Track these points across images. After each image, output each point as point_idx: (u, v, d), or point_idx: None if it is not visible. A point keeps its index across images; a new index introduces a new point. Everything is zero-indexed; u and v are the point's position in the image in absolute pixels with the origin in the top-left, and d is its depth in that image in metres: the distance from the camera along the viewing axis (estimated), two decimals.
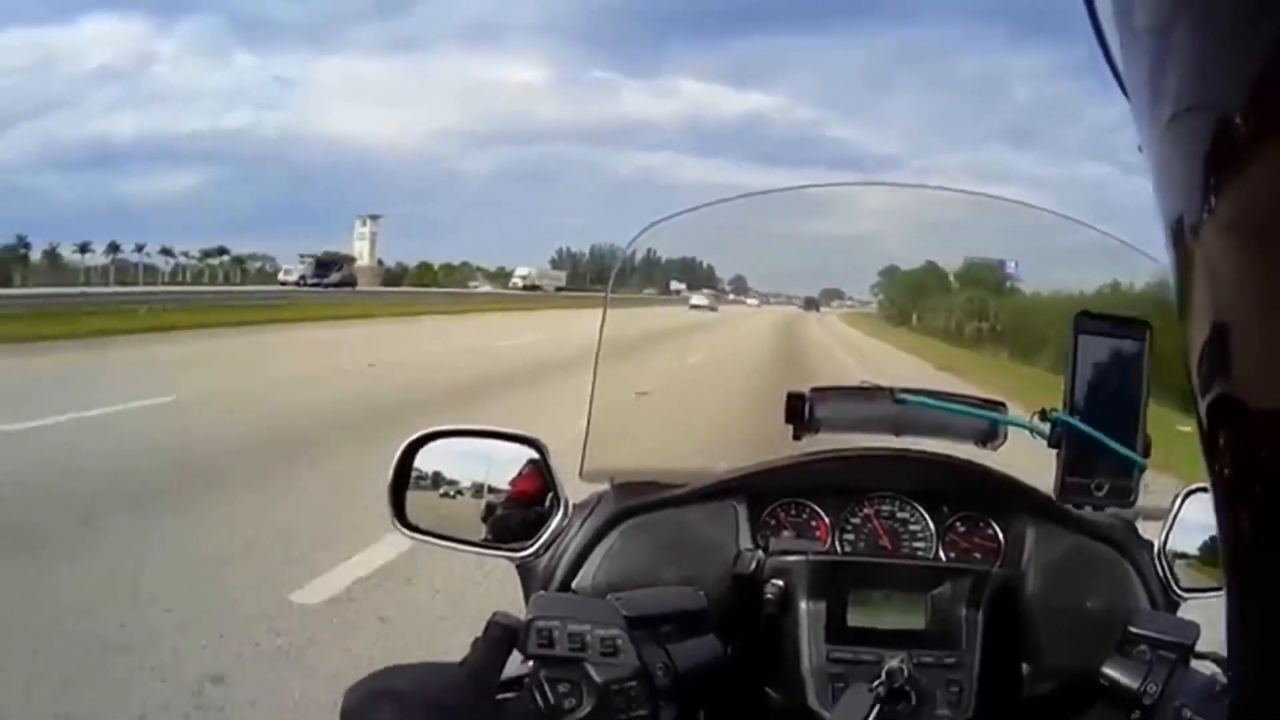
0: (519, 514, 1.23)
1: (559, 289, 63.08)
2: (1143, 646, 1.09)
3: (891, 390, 1.27)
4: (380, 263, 59.18)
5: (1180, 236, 0.34)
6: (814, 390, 1.33)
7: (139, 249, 58.49)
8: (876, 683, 1.06)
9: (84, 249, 58.61)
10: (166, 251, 60.10)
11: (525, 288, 61.54)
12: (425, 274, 67.59)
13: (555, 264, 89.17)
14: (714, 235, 1.59)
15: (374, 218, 54.68)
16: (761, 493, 1.30)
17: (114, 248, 58.17)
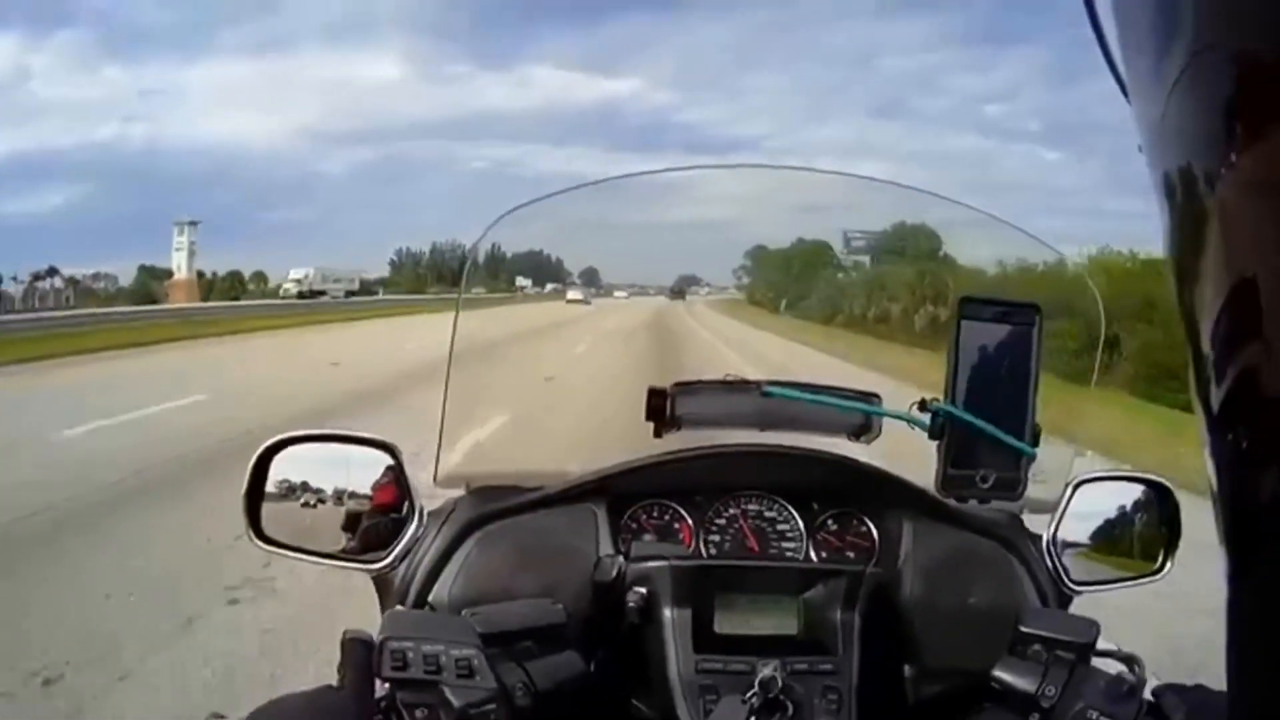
0: (379, 522, 1.17)
1: (350, 293, 52.62)
2: (1037, 646, 1.06)
3: (758, 383, 1.22)
4: (201, 275, 51.90)
5: (1189, 204, 0.33)
6: (676, 385, 1.27)
7: None
8: (750, 693, 1.02)
9: None
10: None
11: (300, 295, 48.17)
12: (235, 285, 57.95)
13: (395, 265, 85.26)
14: (563, 227, 1.55)
15: (192, 224, 46.75)
16: (621, 494, 1.26)
17: None
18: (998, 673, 1.06)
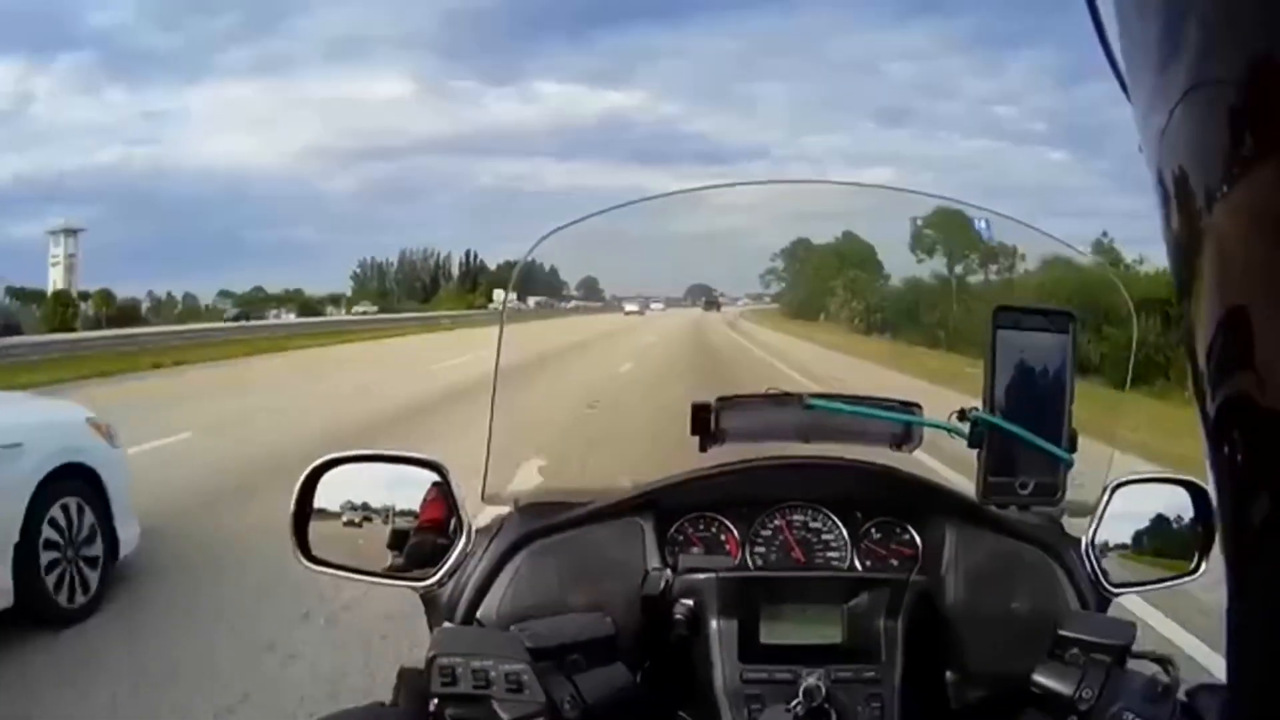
0: (426, 540, 1.17)
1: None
2: (1075, 650, 1.07)
3: (800, 396, 1.24)
4: (84, 296, 41.92)
5: (1187, 228, 0.34)
6: (720, 400, 1.29)
7: None
8: (794, 702, 1.04)
9: None
10: None
11: (237, 318, 39.48)
12: (104, 304, 45.70)
13: (358, 279, 79.34)
14: (584, 244, 1.53)
15: (70, 233, 35.09)
16: (668, 508, 1.27)
17: None
18: (1037, 676, 1.07)
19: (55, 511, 4.35)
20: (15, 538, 4.07)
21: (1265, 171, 0.30)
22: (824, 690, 1.04)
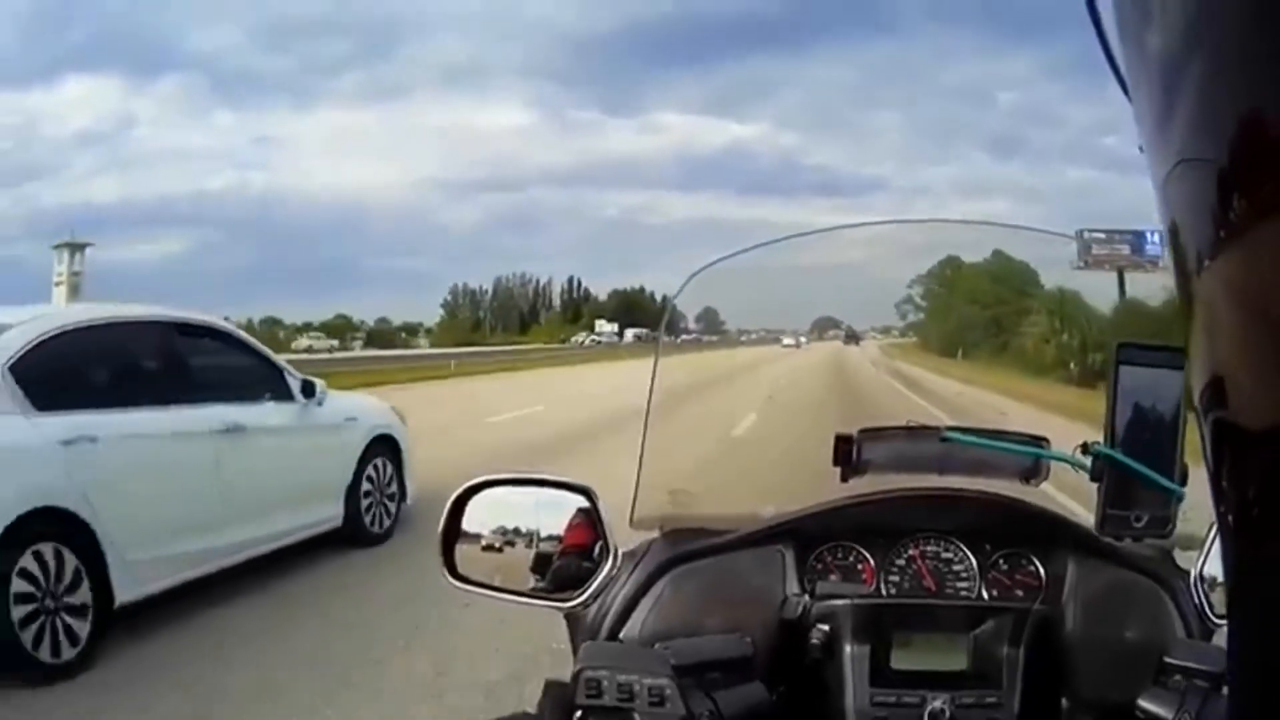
0: (570, 563, 1.23)
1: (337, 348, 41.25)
2: (1178, 676, 1.10)
3: (938, 429, 1.28)
4: None
5: (1186, 246, 0.34)
6: (862, 432, 1.33)
7: None
8: None
9: None
10: None
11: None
12: None
13: (448, 306, 75.65)
14: (711, 280, 1.58)
15: (76, 248, 28.51)
16: (809, 537, 1.31)
17: None
18: (1142, 702, 1.10)
19: (370, 469, 6.39)
20: (349, 480, 6.16)
21: (1262, 193, 0.30)
22: (948, 714, 1.08)
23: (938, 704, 1.09)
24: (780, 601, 1.24)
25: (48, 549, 4.10)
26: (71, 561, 4.18)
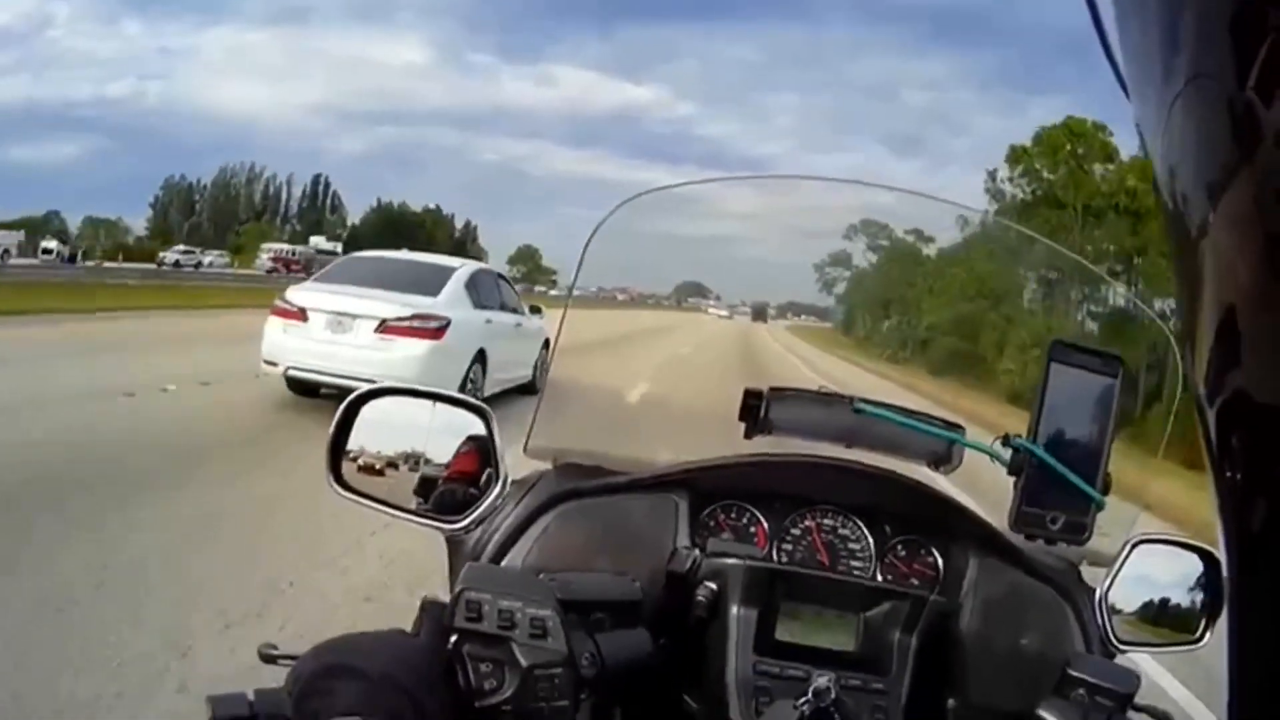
0: (456, 489, 1.19)
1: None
2: (1081, 690, 1.06)
3: (850, 398, 1.25)
4: None
5: (1185, 227, 0.34)
6: (772, 390, 1.29)
7: None
8: (802, 700, 0.98)
9: None
10: None
11: None
12: None
13: (155, 207, 64.88)
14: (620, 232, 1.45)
15: None
16: (705, 490, 1.27)
17: None
18: (1042, 712, 1.06)
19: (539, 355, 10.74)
20: (535, 358, 10.66)
21: (1258, 168, 0.30)
22: (833, 693, 0.97)
23: (823, 681, 0.98)
24: (669, 553, 1.19)
25: (477, 366, 9.18)
26: (478, 369, 9.21)
